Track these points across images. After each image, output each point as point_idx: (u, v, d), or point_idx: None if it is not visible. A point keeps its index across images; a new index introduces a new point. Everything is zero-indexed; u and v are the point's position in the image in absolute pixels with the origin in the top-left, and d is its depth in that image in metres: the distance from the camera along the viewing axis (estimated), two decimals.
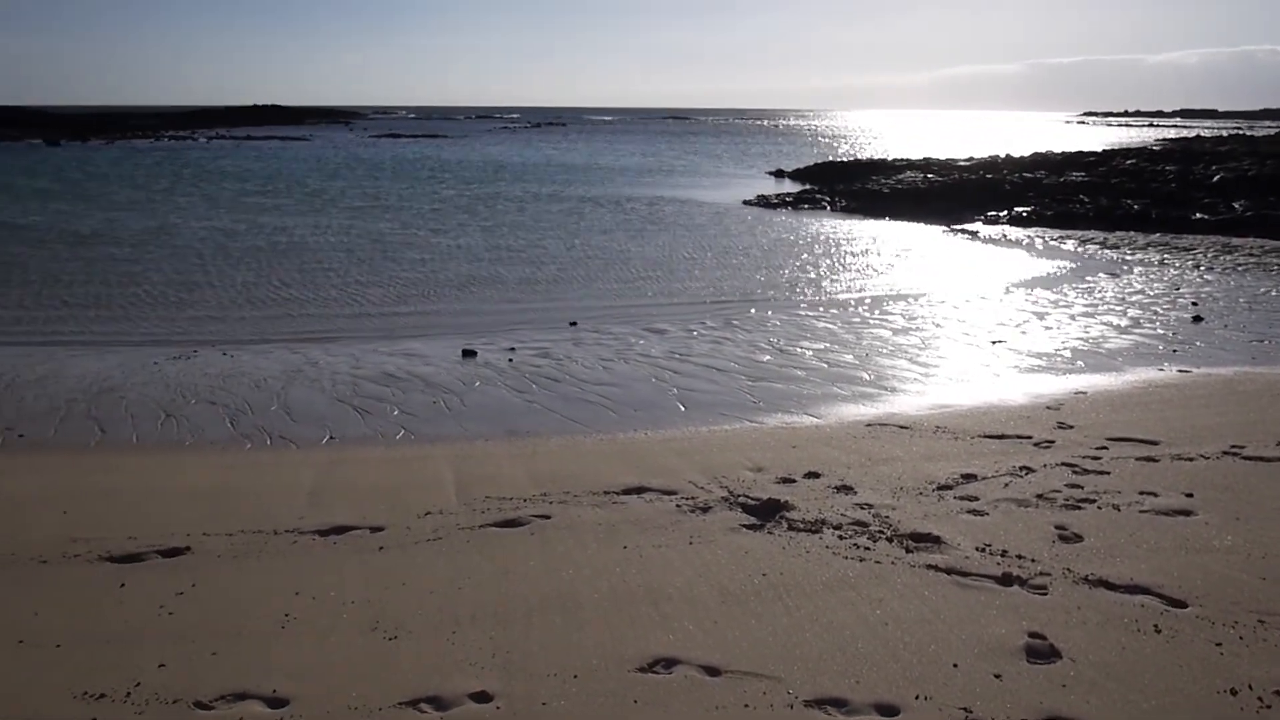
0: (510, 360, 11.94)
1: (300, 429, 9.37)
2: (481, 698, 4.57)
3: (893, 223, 27.26)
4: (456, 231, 24.80)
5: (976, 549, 6.13)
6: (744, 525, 6.59)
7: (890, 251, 21.90)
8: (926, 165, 39.22)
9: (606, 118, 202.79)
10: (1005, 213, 28.11)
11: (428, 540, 6.39)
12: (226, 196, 33.79)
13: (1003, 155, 41.28)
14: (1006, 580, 5.66)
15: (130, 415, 9.78)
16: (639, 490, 7.32)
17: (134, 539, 6.43)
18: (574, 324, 14.17)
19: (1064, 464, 7.83)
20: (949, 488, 7.30)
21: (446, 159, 58.09)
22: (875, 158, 47.94)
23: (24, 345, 12.91)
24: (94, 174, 43.79)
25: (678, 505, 6.98)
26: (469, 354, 12.19)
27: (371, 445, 8.89)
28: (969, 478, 7.52)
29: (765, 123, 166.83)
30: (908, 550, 6.13)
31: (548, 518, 6.75)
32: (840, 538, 6.34)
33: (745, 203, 32.05)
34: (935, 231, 25.64)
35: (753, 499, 7.03)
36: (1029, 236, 24.76)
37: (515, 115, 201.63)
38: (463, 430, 9.31)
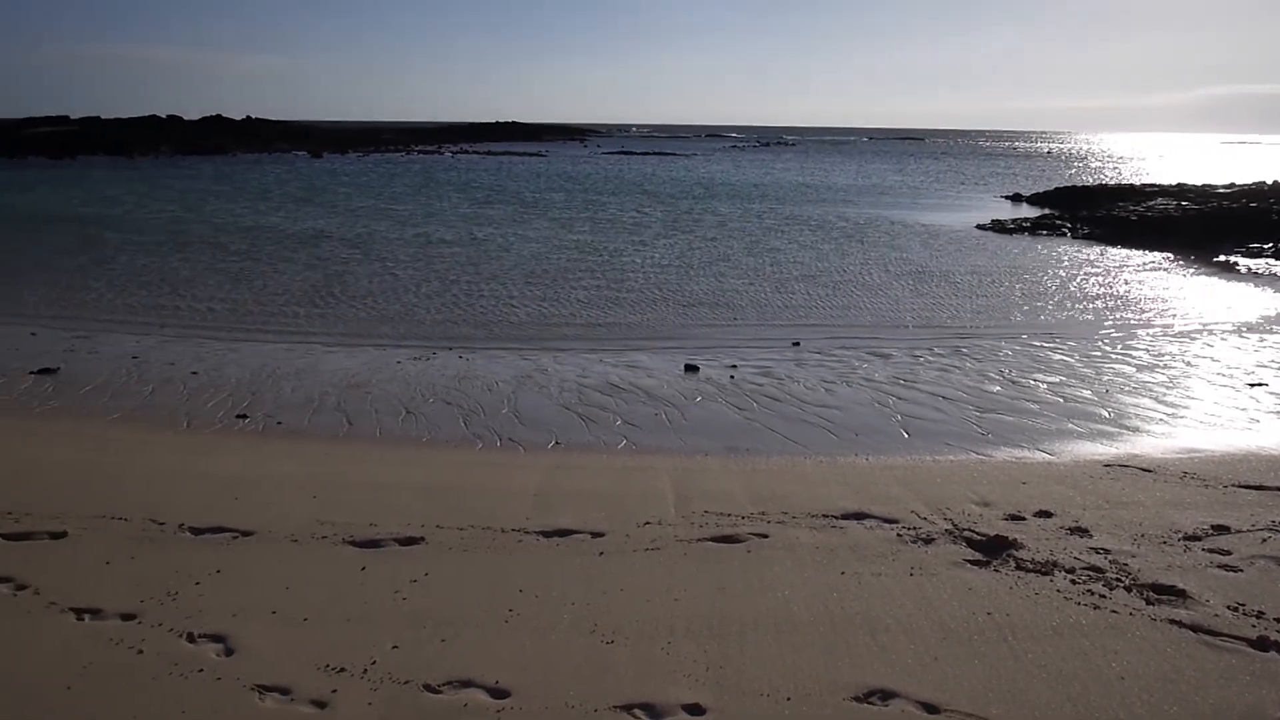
0: (732, 377, 12.00)
1: (528, 432, 9.75)
2: (694, 710, 4.61)
3: (1140, 252, 25.59)
4: (680, 247, 25.14)
5: (1228, 607, 5.68)
6: (968, 560, 6.36)
7: (1136, 283, 20.59)
8: (1180, 191, 36.63)
9: (837, 138, 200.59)
10: (1271, 245, 25.85)
11: (646, 549, 6.51)
12: (458, 209, 35.60)
13: (1270, 182, 38.01)
14: (1263, 645, 5.22)
15: (375, 410, 10.46)
16: (859, 516, 7.20)
17: (374, 526, 6.87)
18: (797, 344, 14.10)
19: None
20: (1197, 539, 6.80)
21: (674, 176, 59.00)
22: (1122, 183, 45.24)
23: (286, 341, 14.05)
24: (344, 184, 47.20)
25: (898, 534, 6.83)
26: (691, 369, 12.34)
27: (594, 452, 9.14)
28: (1220, 529, 6.98)
29: (1003, 145, 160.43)
30: (1148, 602, 5.76)
31: (765, 536, 6.74)
32: (1073, 582, 6.02)
33: (979, 227, 30.91)
34: (1188, 263, 23.91)
35: (978, 534, 6.78)
36: None
37: (743, 135, 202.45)
38: (683, 443, 9.43)
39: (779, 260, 23.06)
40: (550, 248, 24.65)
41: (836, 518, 7.16)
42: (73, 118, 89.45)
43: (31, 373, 11.74)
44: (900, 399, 11.08)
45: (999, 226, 30.83)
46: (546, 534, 6.79)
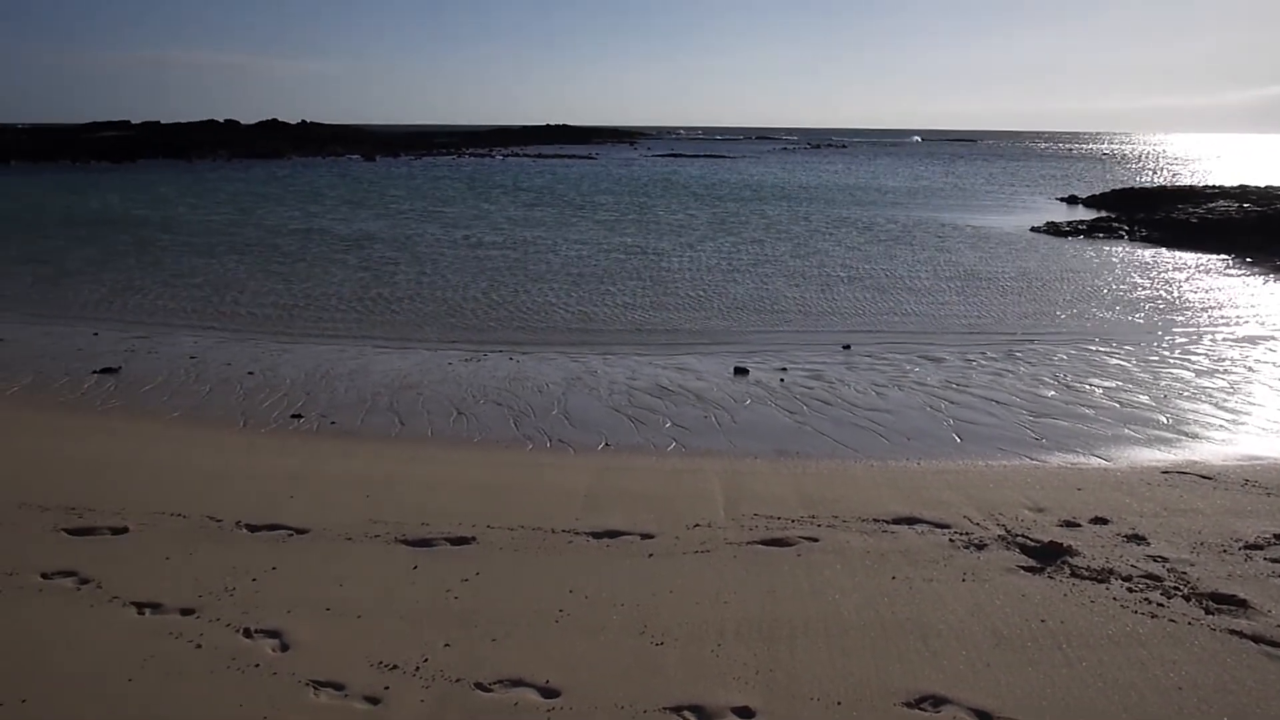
0: (782, 380, 11.96)
1: (578, 434, 9.80)
2: (744, 713, 4.61)
3: (1200, 255, 25.08)
4: (727, 249, 25.09)
5: None
6: (1022, 567, 6.29)
7: (1195, 286, 20.18)
8: (1242, 193, 35.84)
9: (888, 139, 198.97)
10: None
11: (695, 552, 6.51)
12: (505, 211, 35.82)
13: None
14: None
15: (426, 411, 10.56)
16: (910, 521, 7.14)
17: (426, 525, 6.94)
18: (847, 347, 14.01)
19: None
20: (1259, 548, 6.66)
21: (722, 178, 58.88)
22: (1182, 184, 44.40)
23: (339, 342, 14.23)
24: (394, 186, 47.70)
25: (950, 540, 6.76)
26: (741, 371, 12.31)
27: (644, 454, 9.16)
28: None
29: (1058, 146, 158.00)
30: (1207, 611, 5.65)
31: (815, 540, 6.71)
32: (1130, 590, 5.92)
33: (1033, 229, 30.50)
34: (1249, 266, 23.40)
35: (1032, 540, 6.70)
36: None
37: (794, 137, 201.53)
38: (732, 446, 9.41)
39: (828, 262, 22.93)
40: (597, 250, 24.73)
41: (888, 522, 7.11)
42: (134, 123, 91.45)
43: (94, 372, 12.02)
44: (952, 403, 10.97)
45: (1054, 229, 30.40)
46: (596, 535, 6.82)
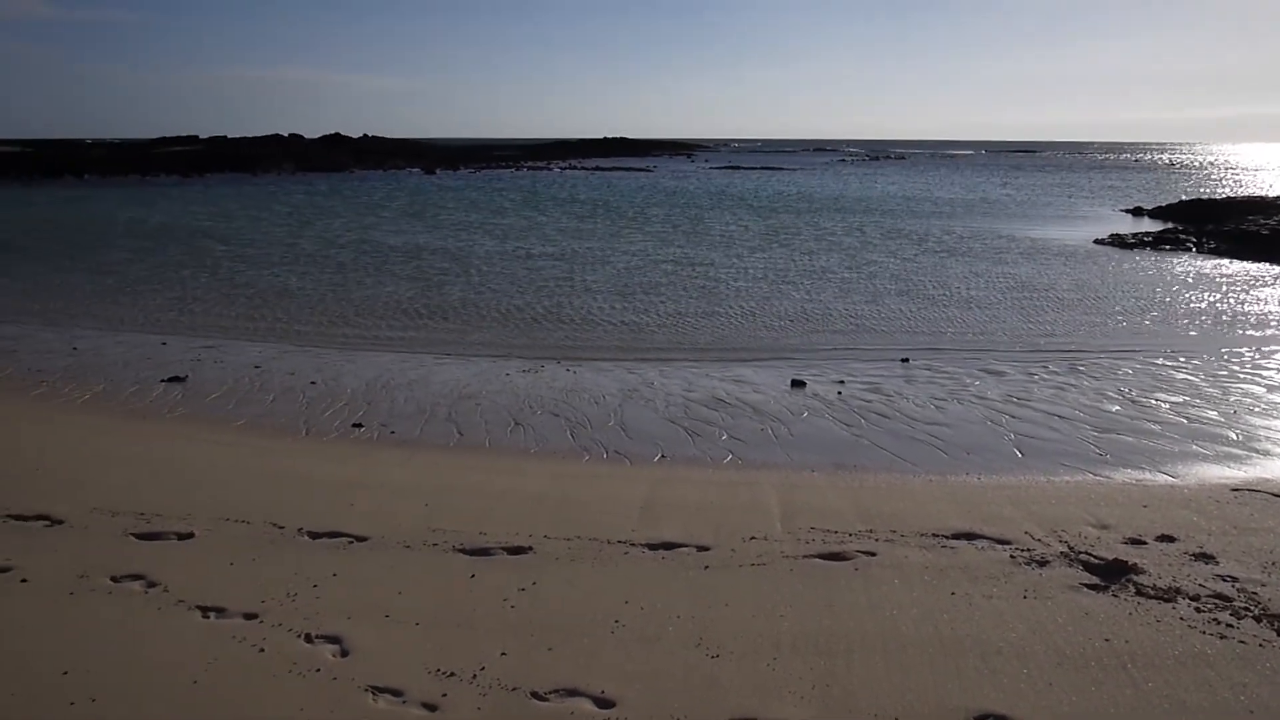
0: (839, 393, 11.88)
1: (634, 445, 9.81)
2: None
3: (1272, 267, 24.45)
4: (782, 262, 25.00)
5: None
6: (1085, 585, 6.17)
7: (1266, 299, 19.68)
8: None
9: (947, 151, 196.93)
10: None
11: (752, 564, 6.49)
12: (558, 223, 36.03)
13: None
14: None
15: (484, 421, 10.65)
16: (970, 536, 7.05)
17: (484, 534, 7.00)
18: (905, 360, 13.87)
19: None
20: None
21: (778, 190, 58.71)
22: (1252, 195, 43.35)
23: (398, 352, 14.42)
24: (451, 199, 48.24)
25: (1011, 556, 6.66)
26: (798, 384, 12.25)
27: (700, 466, 9.15)
28: None
29: (1121, 158, 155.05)
30: (1279, 633, 5.50)
31: (873, 555, 6.65)
32: (1197, 610, 5.79)
33: (1097, 242, 29.97)
34: None
35: (1096, 558, 6.57)
36: None
37: (852, 149, 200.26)
38: (789, 459, 9.37)
39: (884, 275, 22.74)
40: (648, 261, 24.78)
41: (947, 537, 7.03)
42: (202, 137, 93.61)
43: (162, 380, 12.31)
44: (1013, 417, 10.81)
45: (1118, 241, 29.86)
46: (652, 546, 6.82)
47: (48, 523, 7.08)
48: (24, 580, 6.07)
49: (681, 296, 19.49)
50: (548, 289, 20.31)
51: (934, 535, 7.06)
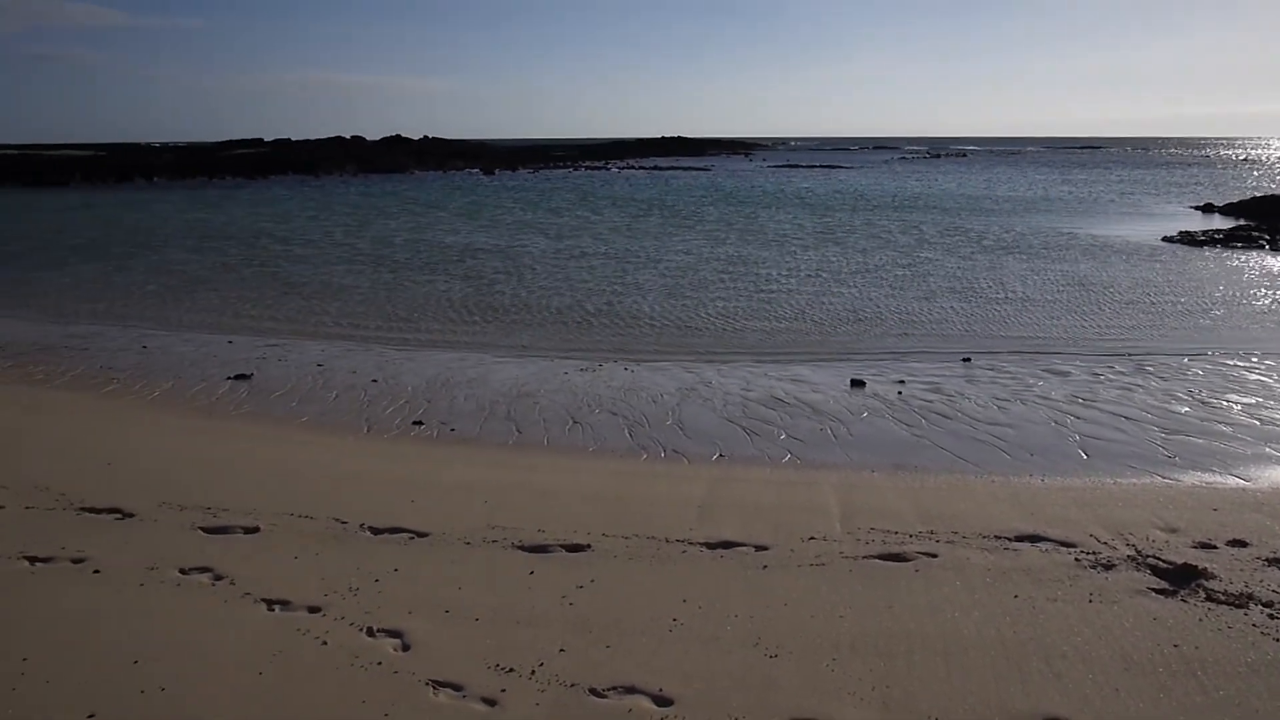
0: (899, 393, 11.75)
1: (692, 444, 9.80)
2: None
3: None
4: (838, 260, 24.80)
5: None
6: (1153, 589, 6.04)
7: None
8: None
9: (1010, 148, 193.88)
10: None
11: (810, 565, 6.45)
12: (610, 222, 36.08)
13: None
14: None
15: (543, 419, 10.71)
16: (1033, 538, 6.94)
17: (543, 532, 7.04)
18: (967, 360, 13.69)
19: None
20: None
21: (835, 188, 58.25)
22: None
23: (458, 351, 14.56)
24: (509, 199, 48.59)
25: (1076, 559, 6.54)
26: (857, 384, 12.15)
27: (758, 466, 9.11)
28: None
29: (1189, 153, 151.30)
30: None
31: (934, 556, 6.57)
32: (1271, 617, 5.64)
33: (1165, 239, 29.31)
34: None
35: (1164, 562, 6.43)
36: None
37: (913, 146, 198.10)
38: (848, 459, 9.29)
39: (944, 273, 22.44)
40: (700, 260, 24.72)
41: (1009, 539, 6.92)
42: (266, 140, 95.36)
43: (228, 378, 12.56)
44: (1078, 418, 10.62)
45: (1188, 238, 29.16)
46: (710, 545, 6.81)
47: (119, 516, 7.26)
48: (96, 571, 6.23)
49: (735, 295, 19.41)
50: (602, 288, 20.35)
51: (996, 537, 6.96)
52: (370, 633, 5.42)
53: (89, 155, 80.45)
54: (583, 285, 20.80)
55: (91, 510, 7.37)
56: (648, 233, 31.99)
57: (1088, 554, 6.62)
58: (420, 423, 10.60)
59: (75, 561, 6.38)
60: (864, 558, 6.57)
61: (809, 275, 22.24)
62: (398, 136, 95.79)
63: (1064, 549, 6.74)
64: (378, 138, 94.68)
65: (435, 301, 18.95)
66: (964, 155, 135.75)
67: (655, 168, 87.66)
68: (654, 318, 17.20)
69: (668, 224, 35.05)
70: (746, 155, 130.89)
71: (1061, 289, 20.20)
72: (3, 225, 35.32)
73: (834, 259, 25.17)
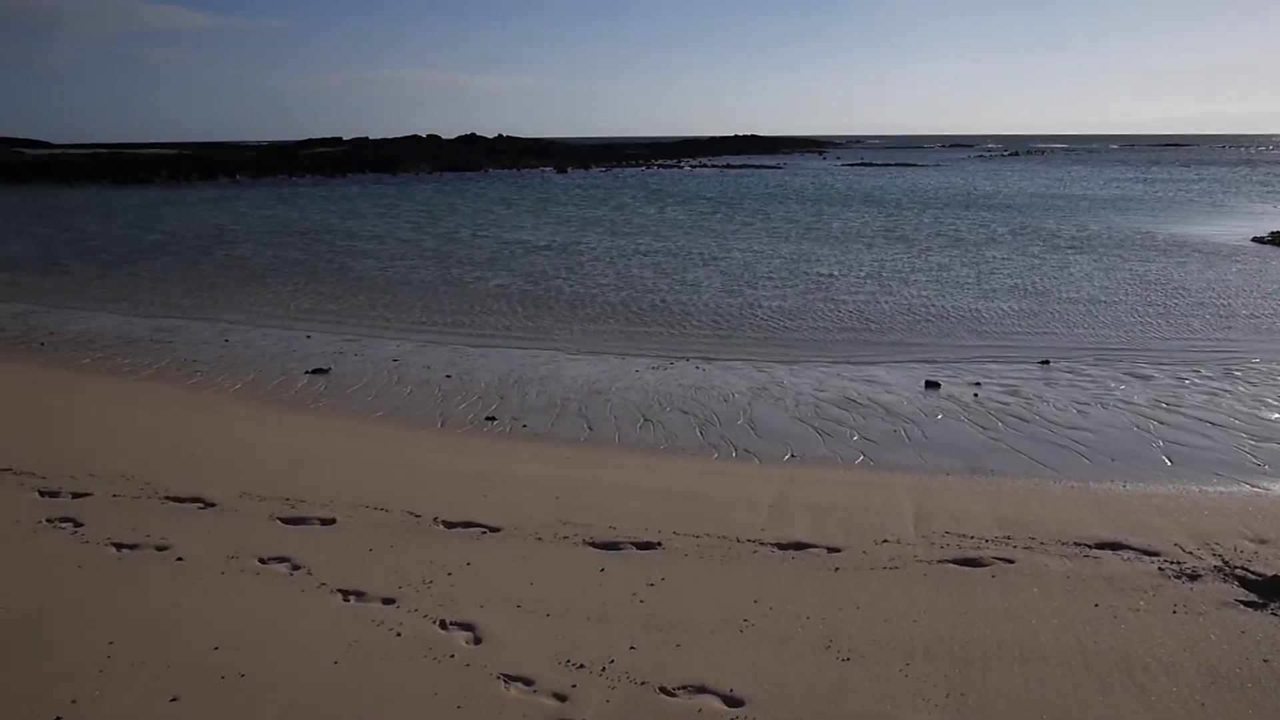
0: (975, 395, 11.55)
1: (763, 444, 9.74)
2: None
3: None
4: (910, 258, 24.44)
5: None
6: (1241, 601, 5.85)
7: None
8: None
9: (1090, 146, 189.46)
10: None
11: (884, 568, 6.36)
12: (678, 219, 36.03)
13: None
14: None
15: (614, 417, 10.74)
16: (1114, 546, 6.76)
17: (613, 529, 7.05)
18: (1045, 362, 13.39)
19: None
20: None
21: (908, 186, 57.45)
22: None
23: (530, 348, 14.66)
24: (577, 197, 48.79)
25: (1159, 568, 6.36)
26: (932, 385, 11.97)
27: (830, 466, 9.02)
28: None
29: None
30: None
31: (1011, 561, 6.45)
32: None
33: (1256, 240, 28.37)
34: None
35: (1254, 573, 6.22)
36: None
37: (991, 143, 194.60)
38: (923, 461, 9.16)
39: (1020, 273, 21.97)
40: (765, 258, 24.55)
41: (1089, 546, 6.76)
42: (344, 139, 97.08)
43: (307, 372, 12.81)
44: (1162, 423, 10.33)
45: None
46: (781, 546, 6.76)
47: (201, 505, 7.44)
48: (179, 559, 6.39)
49: (803, 294, 19.23)
50: (664, 285, 20.32)
51: (1076, 544, 6.80)
52: (443, 625, 5.48)
53: (174, 154, 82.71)
54: (652, 283, 20.78)
55: (175, 499, 7.56)
56: (714, 230, 31.91)
57: (1172, 563, 6.44)
58: (493, 418, 10.70)
59: (159, 549, 6.55)
60: (938, 562, 6.46)
61: (869, 275, 21.94)
62: (472, 135, 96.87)
63: (1147, 557, 6.56)
64: (453, 136, 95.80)
65: (506, 297, 19.10)
66: (1041, 153, 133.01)
67: (728, 166, 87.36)
68: (719, 314, 17.12)
69: (735, 222, 34.91)
70: (820, 153, 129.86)
71: (1141, 290, 19.66)
72: (92, 222, 36.50)
73: (901, 258, 24.82)
